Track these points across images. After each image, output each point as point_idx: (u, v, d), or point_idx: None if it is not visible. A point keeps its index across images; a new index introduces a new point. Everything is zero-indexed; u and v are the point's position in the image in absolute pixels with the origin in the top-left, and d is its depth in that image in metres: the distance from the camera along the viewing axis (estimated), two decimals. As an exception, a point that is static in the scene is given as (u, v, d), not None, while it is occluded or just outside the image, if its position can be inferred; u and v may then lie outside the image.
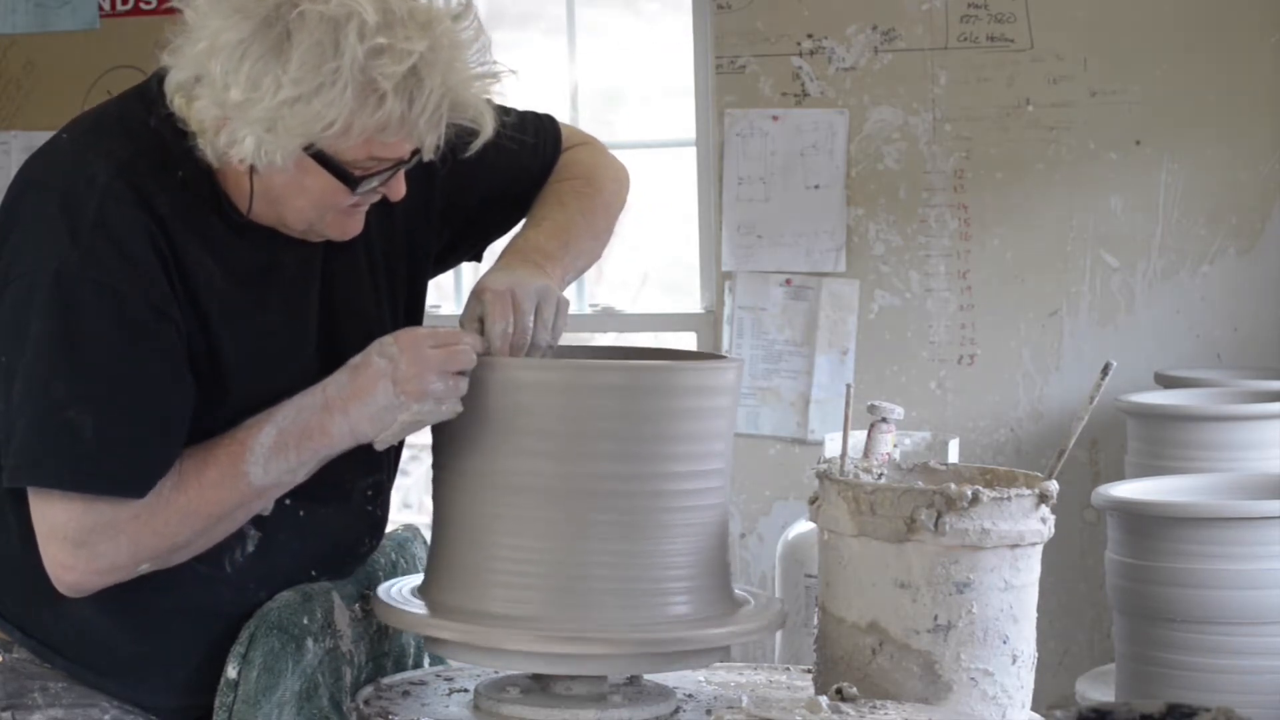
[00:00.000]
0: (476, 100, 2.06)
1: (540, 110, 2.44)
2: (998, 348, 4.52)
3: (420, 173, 2.20)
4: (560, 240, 2.29)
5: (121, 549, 2.04)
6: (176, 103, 2.06)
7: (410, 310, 2.33)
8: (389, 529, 2.54)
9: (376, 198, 2.13)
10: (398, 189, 2.12)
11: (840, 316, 4.57)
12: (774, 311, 4.58)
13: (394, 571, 2.41)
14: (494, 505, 2.16)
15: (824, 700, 1.98)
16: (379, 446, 2.12)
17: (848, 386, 2.28)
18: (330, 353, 2.18)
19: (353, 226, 2.15)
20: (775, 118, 4.61)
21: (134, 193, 2.06)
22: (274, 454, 2.07)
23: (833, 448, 3.64)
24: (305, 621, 2.18)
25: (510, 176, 2.36)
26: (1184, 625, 2.79)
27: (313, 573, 2.24)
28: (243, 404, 2.12)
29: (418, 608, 2.21)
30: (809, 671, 2.31)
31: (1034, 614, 2.16)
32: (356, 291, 2.24)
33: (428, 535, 2.39)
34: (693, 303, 4.76)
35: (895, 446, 3.18)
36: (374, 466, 2.27)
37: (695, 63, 4.72)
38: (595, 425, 2.13)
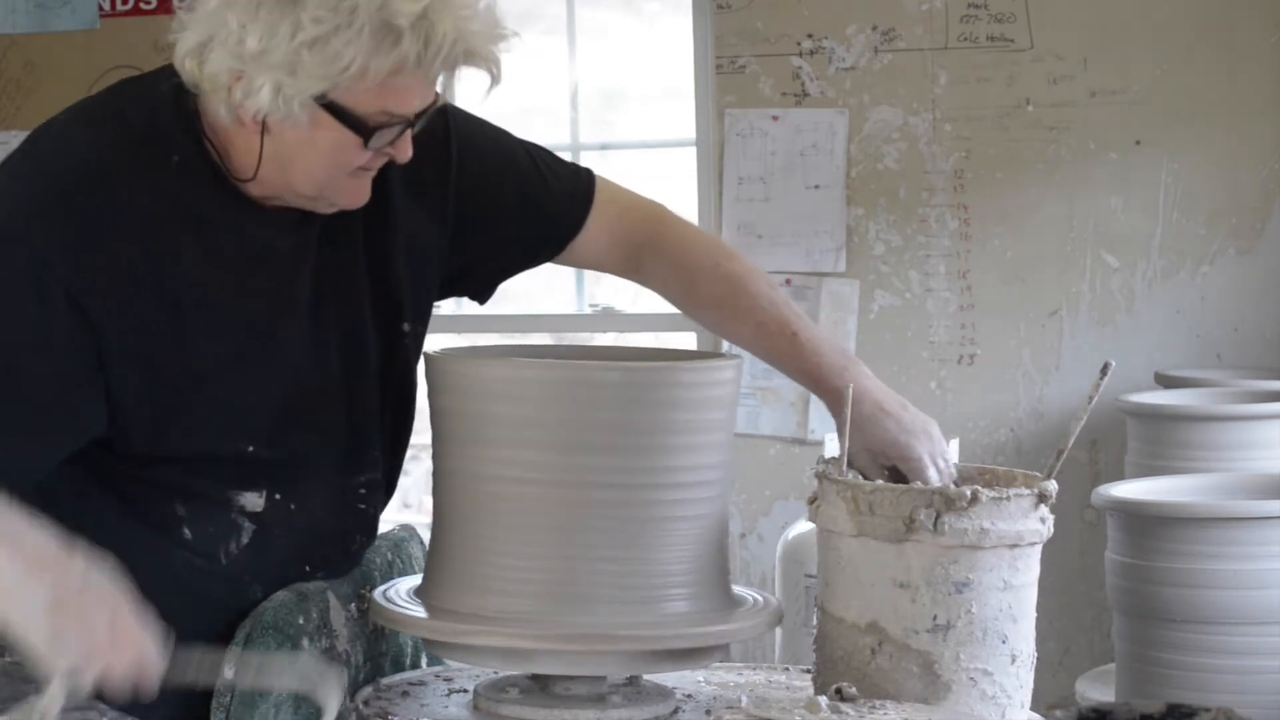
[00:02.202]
0: (487, 49, 2.06)
1: (580, 165, 2.43)
2: (998, 348, 4.52)
3: (435, 180, 2.23)
4: (842, 351, 2.38)
5: None
6: (188, 66, 2.05)
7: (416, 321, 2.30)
8: (386, 529, 2.54)
9: (384, 160, 2.11)
10: (405, 149, 2.10)
11: (840, 316, 4.57)
12: (774, 312, 4.57)
13: (390, 571, 2.40)
14: (493, 505, 2.16)
15: (823, 700, 1.98)
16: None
17: (848, 386, 2.28)
18: (313, 360, 2.17)
19: (361, 193, 2.13)
20: (775, 118, 4.61)
21: (116, 176, 2.05)
22: None
23: (832, 448, 3.64)
24: (300, 621, 2.18)
25: (528, 216, 2.35)
26: (1184, 625, 2.79)
27: (306, 568, 2.24)
28: (212, 409, 2.10)
29: (416, 609, 2.21)
30: (808, 671, 2.31)
31: (1033, 614, 2.15)
32: (350, 302, 2.22)
33: (424, 535, 2.39)
34: (693, 303, 4.75)
35: (895, 446, 3.17)
36: (366, 466, 2.27)
37: (695, 63, 4.72)
38: (594, 424, 2.13)
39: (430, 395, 2.26)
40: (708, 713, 2.21)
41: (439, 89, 2.11)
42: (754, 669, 2.48)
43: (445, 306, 4.90)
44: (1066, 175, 4.47)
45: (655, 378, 2.17)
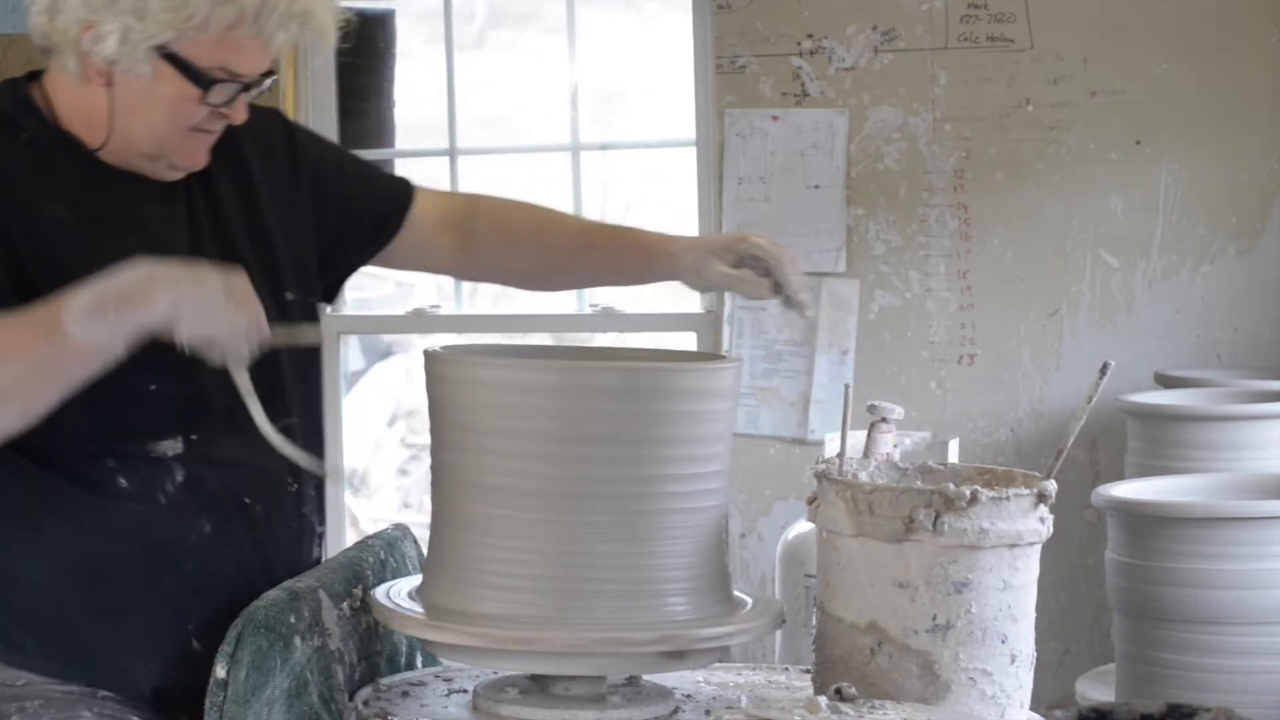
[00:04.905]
0: (323, 14, 2.23)
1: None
2: (998, 348, 4.52)
3: (287, 164, 2.40)
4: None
5: None
6: (40, 24, 2.18)
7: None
8: (379, 528, 2.54)
9: (223, 124, 2.24)
10: (240, 112, 2.24)
11: (840, 316, 4.57)
12: (774, 311, 4.57)
13: (383, 570, 2.41)
14: (492, 505, 2.16)
15: (823, 700, 1.98)
16: (190, 338, 2.09)
17: (846, 387, 2.28)
18: None
19: (199, 155, 2.26)
20: (775, 118, 4.61)
21: None
22: (93, 313, 2.04)
23: (832, 448, 3.64)
24: (292, 620, 2.18)
25: (365, 197, 2.51)
26: (1184, 625, 2.79)
27: (246, 500, 2.26)
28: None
29: (416, 609, 2.21)
30: (808, 672, 2.31)
31: (1033, 614, 2.15)
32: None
33: (419, 534, 2.38)
34: (692, 303, 4.76)
35: (895, 446, 3.18)
36: (279, 413, 2.28)
37: (695, 63, 4.71)
38: (593, 425, 2.13)
39: (429, 395, 2.26)
40: (707, 713, 2.21)
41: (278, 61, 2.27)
42: (754, 669, 2.48)
43: (445, 307, 4.90)
44: (1066, 175, 4.47)
45: (655, 379, 2.17)
